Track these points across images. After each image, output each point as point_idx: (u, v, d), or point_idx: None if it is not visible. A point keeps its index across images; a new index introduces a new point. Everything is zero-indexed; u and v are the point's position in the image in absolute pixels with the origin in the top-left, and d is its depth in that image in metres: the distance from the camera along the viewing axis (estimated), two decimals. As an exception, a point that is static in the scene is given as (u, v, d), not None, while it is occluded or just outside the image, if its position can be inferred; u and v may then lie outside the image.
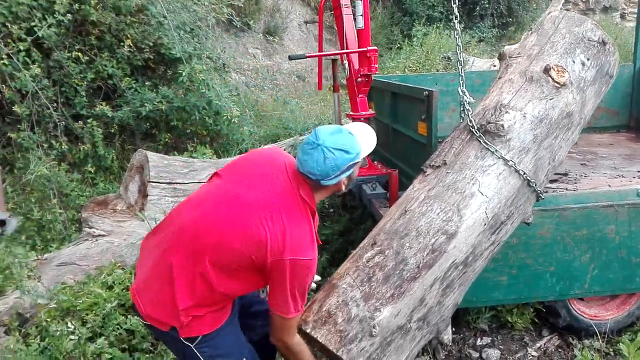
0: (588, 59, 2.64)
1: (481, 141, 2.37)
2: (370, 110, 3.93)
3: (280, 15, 9.93)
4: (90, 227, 3.91)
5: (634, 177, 3.47)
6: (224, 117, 5.20)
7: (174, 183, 4.03)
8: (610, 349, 3.23)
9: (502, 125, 2.36)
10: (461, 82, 2.64)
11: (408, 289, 2.13)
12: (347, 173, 1.95)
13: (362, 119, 3.87)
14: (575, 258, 3.10)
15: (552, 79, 2.48)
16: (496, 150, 2.34)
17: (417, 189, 2.39)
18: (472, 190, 2.29)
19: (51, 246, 4.07)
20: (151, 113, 5.10)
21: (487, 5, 11.75)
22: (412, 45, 9.12)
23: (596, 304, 3.42)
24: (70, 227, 4.34)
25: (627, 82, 5.05)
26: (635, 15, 5.13)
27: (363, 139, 2.04)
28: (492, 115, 2.41)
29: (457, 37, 2.74)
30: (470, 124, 2.42)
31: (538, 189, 2.43)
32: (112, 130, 5.20)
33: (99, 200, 4.16)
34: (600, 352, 3.20)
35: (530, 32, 2.85)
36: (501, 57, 2.79)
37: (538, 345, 3.35)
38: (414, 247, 2.19)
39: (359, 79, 3.78)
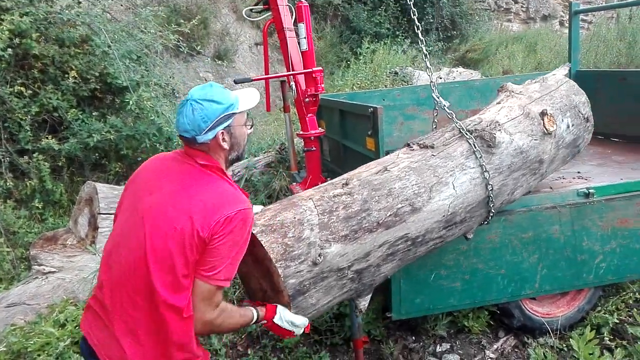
0: (573, 125, 3.04)
1: (471, 143, 2.57)
2: (320, 128, 3.99)
3: (230, 38, 9.95)
4: (40, 265, 3.79)
5: (574, 178, 3.63)
6: (175, 143, 5.16)
7: (125, 213, 3.96)
8: (564, 345, 3.34)
9: (495, 138, 2.60)
10: (434, 88, 2.90)
11: (361, 237, 2.21)
12: (223, 125, 1.86)
13: (313, 137, 3.93)
14: (524, 259, 3.21)
15: (544, 124, 2.83)
16: (481, 156, 2.54)
17: (401, 157, 2.54)
18: (447, 180, 2.47)
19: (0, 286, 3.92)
20: (100, 143, 5.01)
21: (431, 20, 12.12)
22: (359, 63, 9.31)
23: (547, 302, 3.54)
24: (19, 265, 4.19)
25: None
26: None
27: (241, 93, 1.99)
28: (487, 126, 2.65)
29: (424, 52, 2.95)
30: (460, 127, 2.65)
31: (492, 211, 2.62)
32: (60, 164, 5.07)
33: (48, 236, 4.04)
34: (553, 348, 3.31)
35: (533, 80, 3.23)
36: (502, 89, 3.12)
37: (495, 347, 3.43)
38: (382, 203, 2.29)
39: (307, 99, 3.84)
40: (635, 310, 3.54)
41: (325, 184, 2.43)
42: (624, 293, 3.71)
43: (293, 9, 3.98)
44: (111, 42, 5.15)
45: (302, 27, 3.84)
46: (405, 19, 11.94)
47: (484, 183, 2.55)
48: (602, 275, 3.35)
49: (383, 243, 2.28)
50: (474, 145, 2.57)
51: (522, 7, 16.46)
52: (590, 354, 2.73)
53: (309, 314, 2.16)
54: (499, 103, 2.95)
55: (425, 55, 2.92)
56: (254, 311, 1.97)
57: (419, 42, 2.90)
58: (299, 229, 2.10)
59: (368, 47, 10.00)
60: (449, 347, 3.44)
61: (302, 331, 2.09)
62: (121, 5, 6.48)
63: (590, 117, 3.21)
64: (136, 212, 1.81)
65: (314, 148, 3.95)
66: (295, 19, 3.91)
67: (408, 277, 3.03)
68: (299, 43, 3.93)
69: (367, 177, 2.39)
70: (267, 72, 4.21)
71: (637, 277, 3.57)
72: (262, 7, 4.14)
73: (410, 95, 5.05)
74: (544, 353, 3.21)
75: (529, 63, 11.05)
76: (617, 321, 3.48)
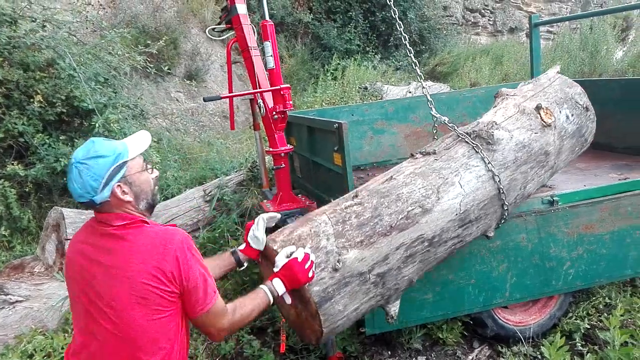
0: (572, 115, 3.08)
1: (469, 141, 2.67)
2: (289, 145, 4.00)
3: (200, 57, 9.96)
4: (7, 294, 3.68)
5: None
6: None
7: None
8: (537, 352, 3.36)
9: (492, 135, 2.69)
10: (431, 106, 3.00)
11: (377, 241, 2.30)
12: (117, 177, 1.75)
13: (282, 154, 3.94)
14: (493, 268, 3.24)
15: (541, 117, 2.89)
16: (481, 151, 2.62)
17: (405, 166, 2.66)
18: (453, 180, 2.55)
19: (-36, 319, 3.79)
20: (67, 167, 4.93)
21: (400, 36, 12.33)
22: (327, 80, 9.40)
23: (519, 310, 3.58)
24: (-15, 296, 4.06)
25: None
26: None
27: (129, 139, 1.88)
28: (484, 126, 2.74)
29: (417, 70, 3.13)
30: (458, 132, 2.73)
31: (506, 204, 2.66)
32: (27, 189, 4.97)
33: (14, 264, 3.94)
34: (527, 356, 3.33)
35: (527, 82, 3.29)
36: (497, 95, 3.17)
37: (470, 357, 3.44)
38: (392, 208, 2.39)
39: (275, 116, 3.85)
40: (605, 315, 3.60)
41: (337, 199, 2.53)
42: (594, 298, 3.77)
43: (254, 28, 4.01)
44: (77, 65, 5.10)
45: (268, 45, 3.86)
46: (374, 35, 12.11)
47: (491, 177, 2.60)
48: (571, 281, 3.40)
49: (400, 245, 2.35)
50: (472, 142, 2.67)
51: (489, 20, 16.87)
52: (561, 360, 2.75)
53: (339, 321, 2.24)
54: (495, 107, 3.05)
55: (422, 83, 3.09)
56: (263, 287, 2.02)
57: (410, 61, 3.14)
58: (315, 240, 2.22)
59: (339, 64, 10.11)
60: (424, 359, 3.44)
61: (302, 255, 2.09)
62: (87, 28, 6.42)
63: (590, 106, 3.23)
64: (91, 304, 1.76)
65: (283, 165, 3.95)
66: (260, 37, 3.93)
67: (380, 291, 3.03)
68: (265, 61, 3.95)
69: (374, 187, 2.51)
70: (230, 90, 4.22)
71: (605, 281, 3.62)
72: (224, 26, 4.15)
73: (379, 110, 5.10)
74: (517, 361, 3.23)
75: (496, 75, 11.30)
76: (588, 326, 3.53)
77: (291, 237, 2.24)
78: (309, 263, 2.06)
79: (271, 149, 3.93)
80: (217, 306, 1.82)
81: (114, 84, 5.73)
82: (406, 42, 3.13)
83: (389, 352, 3.50)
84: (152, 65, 5.93)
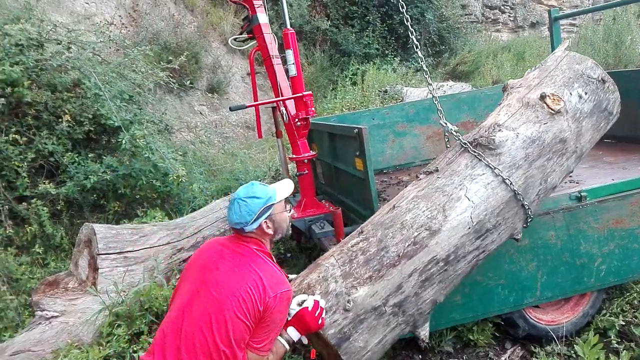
0: (586, 93, 2.85)
1: (470, 150, 2.58)
2: (312, 151, 4.03)
3: (222, 70, 10.10)
4: (43, 310, 3.78)
5: (566, 182, 3.63)
6: (171, 178, 5.21)
7: (124, 252, 3.97)
8: (571, 352, 3.30)
9: (493, 140, 2.58)
10: (441, 115, 2.93)
11: (387, 274, 2.31)
12: (265, 215, 2.23)
13: (305, 160, 3.97)
14: (523, 268, 3.20)
15: (547, 105, 2.70)
16: (484, 158, 2.53)
17: (408, 190, 2.61)
18: (459, 194, 2.47)
19: (4, 335, 3.91)
20: (97, 184, 5.05)
21: (419, 37, 12.28)
22: (346, 85, 9.43)
23: (551, 309, 3.52)
24: (22, 312, 4.19)
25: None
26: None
27: (277, 185, 2.36)
28: (485, 132, 2.64)
29: (427, 79, 3.13)
30: (461, 141, 2.66)
31: (526, 204, 2.56)
32: (59, 207, 5.10)
33: (49, 280, 4.05)
34: (560, 355, 3.27)
35: (533, 68, 3.11)
36: (504, 89, 3.03)
37: (502, 358, 3.40)
38: (397, 237, 2.37)
39: (298, 123, 3.89)
40: (640, 310, 3.51)
41: (345, 238, 2.55)
42: (628, 294, 3.68)
43: (275, 37, 4.06)
44: (102, 84, 5.23)
45: (289, 53, 3.92)
46: (393, 38, 12.10)
47: (502, 182, 2.51)
48: (603, 277, 3.34)
49: (412, 272, 2.34)
50: (472, 151, 2.58)
51: (509, 16, 16.67)
52: (596, 359, 2.69)
53: (364, 356, 2.28)
54: (500, 104, 2.91)
55: (432, 93, 3.05)
56: (279, 338, 2.19)
57: (419, 62, 3.10)
58: (324, 285, 2.28)
59: (358, 68, 10.12)
60: (456, 362, 3.41)
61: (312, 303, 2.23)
62: (110, 48, 6.58)
63: (607, 77, 2.99)
64: (204, 285, 2.11)
65: (306, 171, 3.99)
66: (281, 45, 3.99)
67: (408, 294, 3.02)
68: (287, 69, 4.00)
69: (378, 219, 2.50)
70: (255, 99, 4.28)
71: (639, 276, 3.54)
72: (246, 36, 4.22)
73: (399, 113, 5.10)
74: (551, 361, 3.18)
75: (518, 71, 11.15)
76: (623, 323, 3.45)
77: (302, 287, 2.31)
78: (318, 310, 2.19)
79: (294, 156, 3.97)
80: (261, 357, 2.09)
81: (138, 101, 5.85)
82: (418, 50, 3.08)
83: (420, 356, 3.47)
84: (174, 81, 6.05)
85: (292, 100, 3.96)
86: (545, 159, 2.65)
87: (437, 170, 2.61)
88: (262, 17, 4.06)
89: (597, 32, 11.50)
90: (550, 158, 2.67)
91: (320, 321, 2.18)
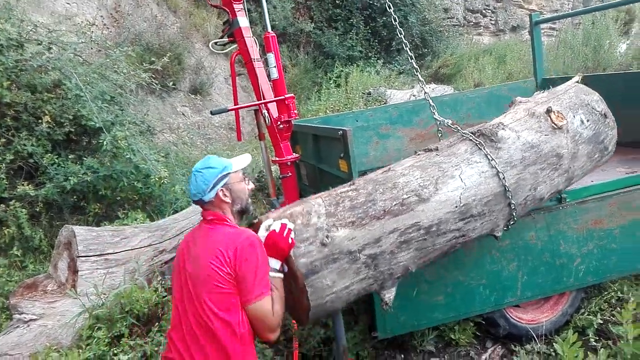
0: (587, 121, 2.98)
1: (472, 138, 2.68)
2: (295, 154, 4.03)
3: (205, 72, 10.05)
4: (21, 313, 3.71)
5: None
6: (153, 180, 5.16)
7: (104, 254, 3.93)
8: (551, 350, 3.34)
9: (496, 133, 2.69)
10: (434, 110, 3.10)
11: (369, 224, 2.35)
12: (221, 184, 2.29)
13: (289, 162, 3.97)
14: (504, 268, 3.25)
15: (551, 119, 2.83)
16: (484, 147, 2.62)
17: (406, 160, 2.71)
18: (453, 173, 2.56)
19: (-19, 340, 3.84)
20: (77, 186, 4.98)
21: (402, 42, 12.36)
22: (330, 87, 9.44)
23: (531, 308, 3.57)
24: (0, 315, 4.11)
25: (531, 95, 5.41)
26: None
27: (235, 158, 2.44)
28: (489, 126, 2.75)
29: (418, 76, 3.26)
30: (461, 131, 2.79)
31: (513, 202, 2.63)
32: (38, 209, 5.02)
33: (28, 283, 3.98)
34: (540, 354, 3.31)
35: (543, 90, 3.24)
36: (512, 104, 3.13)
37: (483, 357, 3.44)
38: (386, 194, 2.44)
39: (281, 126, 3.89)
40: (617, 309, 3.57)
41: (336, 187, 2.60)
42: (606, 293, 3.75)
43: (256, 40, 4.06)
44: (83, 84, 5.17)
45: (271, 56, 3.91)
46: (376, 41, 12.16)
47: (496, 174, 2.58)
48: (582, 277, 3.39)
49: (393, 230, 2.38)
50: (475, 140, 2.67)
51: (490, 20, 16.88)
52: (575, 357, 2.73)
53: (327, 297, 2.30)
54: (506, 113, 3.01)
55: (423, 89, 3.18)
56: (272, 275, 2.21)
57: (412, 66, 3.25)
58: (306, 217, 2.32)
59: (342, 71, 10.15)
60: (438, 362, 3.44)
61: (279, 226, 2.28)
62: (92, 48, 6.50)
63: (609, 114, 3.14)
64: (185, 273, 2.23)
65: (289, 174, 3.98)
66: (263, 49, 3.98)
67: (390, 294, 3.04)
68: (268, 72, 4.00)
69: (372, 177, 2.58)
70: (236, 102, 4.26)
71: (617, 276, 3.61)
72: (227, 39, 4.20)
73: (383, 115, 5.13)
74: (530, 359, 3.22)
75: (499, 74, 11.28)
76: (601, 321, 3.51)
77: (284, 214, 2.35)
78: (286, 231, 2.24)
79: (277, 158, 3.96)
80: (265, 304, 2.11)
81: (120, 102, 5.79)
82: (407, 48, 3.23)
83: (402, 356, 3.50)
84: (157, 82, 6.00)
85: (275, 103, 3.96)
86: (539, 167, 2.74)
87: (436, 149, 2.71)
88: (243, 21, 4.05)
89: (576, 36, 11.67)
90: (544, 168, 2.76)
91: (290, 240, 2.23)
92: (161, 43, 9.04)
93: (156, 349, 3.35)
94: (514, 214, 2.68)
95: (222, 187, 2.29)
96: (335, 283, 2.29)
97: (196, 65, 9.98)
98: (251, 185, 2.45)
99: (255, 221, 2.44)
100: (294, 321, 2.59)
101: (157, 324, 3.58)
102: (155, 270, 4.10)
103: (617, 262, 3.43)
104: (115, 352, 3.35)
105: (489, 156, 2.60)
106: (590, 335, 3.41)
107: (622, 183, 3.43)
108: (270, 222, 2.30)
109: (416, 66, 3.21)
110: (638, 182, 3.44)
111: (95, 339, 3.40)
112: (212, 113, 3.88)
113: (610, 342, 3.33)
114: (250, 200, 2.44)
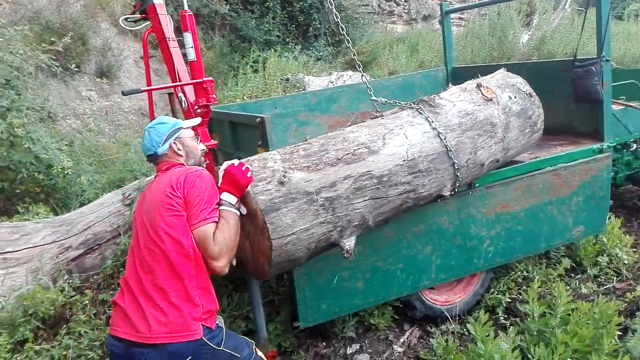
0: (515, 97, 3.34)
1: (413, 106, 2.99)
2: (212, 140, 3.89)
3: (112, 53, 9.45)
4: None
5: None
6: (55, 170, 4.80)
7: (3, 253, 3.61)
8: (465, 330, 3.51)
9: (434, 100, 3.02)
10: (370, 92, 3.45)
11: (324, 169, 2.49)
12: (173, 137, 2.48)
13: (207, 150, 3.83)
14: (419, 252, 3.34)
15: (482, 93, 3.18)
16: (424, 112, 2.92)
17: (355, 124, 2.93)
18: (398, 132, 2.79)
19: None
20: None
21: (319, 26, 12.35)
22: (247, 72, 9.25)
23: (445, 290, 3.72)
24: None
25: (443, 83, 5.62)
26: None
27: (185, 120, 2.66)
28: (427, 97, 3.07)
29: (355, 59, 3.71)
30: (400, 104, 3.13)
31: (456, 162, 2.86)
32: None
33: None
34: (454, 334, 3.47)
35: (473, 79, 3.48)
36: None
37: (402, 340, 3.54)
38: (338, 146, 2.62)
39: (198, 111, 3.72)
40: (524, 287, 3.81)
41: None
42: (513, 273, 3.99)
43: (171, 19, 3.85)
44: (-28, 66, 4.69)
45: (188, 36, 3.71)
46: (293, 26, 12.06)
47: (437, 135, 2.83)
48: (491, 258, 3.58)
49: (347, 176, 2.51)
50: (416, 106, 2.96)
51: (404, 9, 17.28)
52: (487, 336, 2.88)
53: (289, 237, 2.33)
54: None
55: (359, 66, 3.58)
56: (219, 208, 2.25)
57: (350, 50, 3.69)
58: (263, 162, 2.45)
59: (259, 55, 9.97)
60: (358, 347, 3.50)
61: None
62: (-18, 26, 5.91)
63: (533, 94, 3.51)
64: (141, 216, 2.32)
65: (207, 161, 3.84)
66: (178, 28, 3.77)
67: (311, 283, 3.04)
68: (184, 53, 3.81)
69: (322, 135, 2.77)
70: (149, 84, 4.04)
71: (522, 256, 3.85)
72: (139, 16, 3.95)
73: (302, 102, 5.09)
74: (445, 340, 3.35)
75: (412, 63, 11.58)
76: (510, 300, 3.73)
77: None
78: (245, 167, 2.31)
79: (193, 146, 3.81)
80: (207, 229, 2.18)
81: (16, 86, 5.31)
82: (344, 32, 3.61)
83: (324, 343, 3.52)
84: (58, 64, 5.57)
85: (192, 86, 3.78)
86: (476, 132, 3.01)
87: (382, 116, 2.99)
88: (157, -3, 3.83)
89: (483, 27, 12.22)
90: (481, 135, 3.03)
91: (249, 175, 2.30)
92: (63, 22, 8.37)
93: (64, 352, 3.14)
94: (458, 174, 2.89)
95: (174, 139, 2.47)
96: (295, 222, 2.35)
97: (102, 47, 9.37)
98: (202, 147, 2.64)
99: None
100: (254, 274, 2.59)
101: (65, 326, 3.36)
102: (61, 269, 3.82)
103: (523, 243, 3.66)
104: (19, 358, 3.10)
105: (429, 119, 2.88)
106: (500, 314, 3.62)
107: (526, 168, 3.63)
108: (227, 163, 2.36)
109: (353, 49, 3.52)
110: (539, 167, 3.66)
111: (-5, 346, 3.13)
112: (123, 94, 3.65)
113: (518, 320, 3.54)
114: (202, 161, 2.63)
